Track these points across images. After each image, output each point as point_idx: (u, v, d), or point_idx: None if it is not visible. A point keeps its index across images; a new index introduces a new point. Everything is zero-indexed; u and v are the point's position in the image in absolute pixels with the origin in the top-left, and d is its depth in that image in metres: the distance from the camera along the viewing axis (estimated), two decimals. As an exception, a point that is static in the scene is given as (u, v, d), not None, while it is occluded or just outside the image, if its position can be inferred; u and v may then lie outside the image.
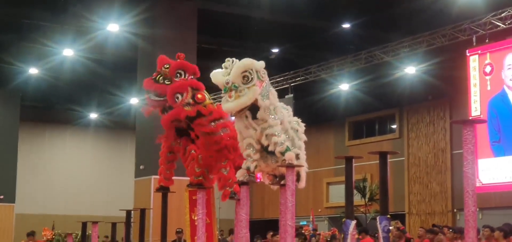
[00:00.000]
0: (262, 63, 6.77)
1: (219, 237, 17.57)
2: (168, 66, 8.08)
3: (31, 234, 19.10)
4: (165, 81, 7.98)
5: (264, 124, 6.70)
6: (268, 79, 6.91)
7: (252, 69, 6.61)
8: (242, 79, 6.57)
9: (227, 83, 6.59)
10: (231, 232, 19.36)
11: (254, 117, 6.76)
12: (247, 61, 6.67)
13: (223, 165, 7.83)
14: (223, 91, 6.70)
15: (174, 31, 19.07)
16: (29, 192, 30.54)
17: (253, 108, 6.73)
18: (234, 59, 6.77)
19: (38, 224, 23.22)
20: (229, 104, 6.62)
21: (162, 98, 8.15)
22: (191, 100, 7.87)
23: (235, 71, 6.60)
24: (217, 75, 6.82)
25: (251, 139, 6.79)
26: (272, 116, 6.75)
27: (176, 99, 7.88)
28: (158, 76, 8.08)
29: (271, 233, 16.95)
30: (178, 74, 7.98)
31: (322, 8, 20.01)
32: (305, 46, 23.10)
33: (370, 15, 20.48)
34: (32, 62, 24.08)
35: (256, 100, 6.60)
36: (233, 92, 6.56)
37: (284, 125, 6.89)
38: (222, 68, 6.88)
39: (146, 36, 19.54)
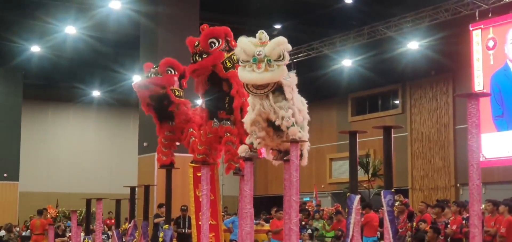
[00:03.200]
0: (290, 47, 6.72)
1: (223, 213, 17.65)
2: (198, 43, 8.00)
3: (40, 212, 19.23)
4: (203, 55, 7.90)
5: (278, 104, 6.69)
6: None
7: (285, 49, 6.58)
8: (276, 56, 6.53)
9: (259, 54, 6.51)
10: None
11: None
12: (284, 40, 6.62)
13: (231, 138, 7.85)
14: (251, 60, 6.57)
15: (177, 8, 19.00)
16: (32, 170, 30.63)
17: (275, 89, 6.70)
18: (266, 33, 6.69)
19: (42, 202, 23.32)
20: (255, 75, 6.49)
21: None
22: (226, 47, 7.85)
23: (273, 46, 6.52)
24: (246, 43, 6.65)
25: (259, 116, 6.77)
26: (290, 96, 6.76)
27: (212, 45, 7.83)
28: (194, 55, 8.00)
29: (275, 209, 17.07)
30: (212, 44, 7.91)
31: (324, -16, 19.95)
32: (307, 22, 23.03)
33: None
34: (34, 40, 24.06)
35: (280, 80, 6.59)
36: (263, 64, 6.48)
37: (295, 103, 6.88)
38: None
39: (148, 13, 19.48)
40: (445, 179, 24.92)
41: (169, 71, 8.82)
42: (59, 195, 27.49)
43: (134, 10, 20.12)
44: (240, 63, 6.69)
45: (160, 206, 15.02)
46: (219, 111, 8.05)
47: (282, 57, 6.53)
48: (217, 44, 7.86)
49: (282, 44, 6.57)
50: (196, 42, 8.00)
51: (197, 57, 7.93)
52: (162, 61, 8.93)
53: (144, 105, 9.05)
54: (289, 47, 6.67)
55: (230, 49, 7.86)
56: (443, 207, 13.27)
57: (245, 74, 6.59)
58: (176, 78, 8.86)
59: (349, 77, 27.21)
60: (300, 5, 21.61)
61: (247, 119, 6.93)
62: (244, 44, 6.65)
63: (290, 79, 6.75)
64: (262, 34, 6.64)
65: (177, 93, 8.84)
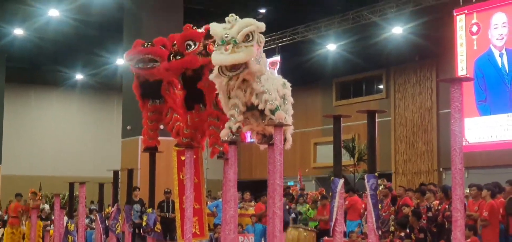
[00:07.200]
0: (263, 27, 6.68)
1: (207, 197, 17.67)
2: (175, 43, 7.95)
3: (19, 195, 19.11)
4: (177, 56, 7.85)
5: (255, 85, 6.66)
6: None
7: (254, 31, 6.56)
8: (243, 37, 6.50)
9: (226, 36, 6.51)
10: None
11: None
12: (252, 21, 6.61)
13: (215, 122, 7.83)
14: (219, 43, 6.59)
15: (161, -9, 18.88)
16: (15, 153, 30.45)
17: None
18: (237, 17, 6.69)
19: (25, 185, 23.17)
20: (222, 56, 6.52)
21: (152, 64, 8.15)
22: (203, 51, 7.81)
23: (238, 27, 6.52)
24: (217, 28, 6.71)
25: (238, 100, 6.75)
26: (262, 78, 6.73)
27: (188, 47, 7.78)
28: (170, 54, 7.96)
29: (248, 193, 17.75)
30: (188, 46, 7.83)
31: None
32: (292, 7, 22.98)
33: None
34: (17, 23, 23.83)
35: (248, 62, 6.54)
36: (230, 46, 6.48)
37: (275, 86, 6.87)
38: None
39: (132, -4, 19.34)
40: (428, 163, 25.07)
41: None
42: (42, 178, 27.35)
43: (118, -7, 20.00)
44: (215, 48, 6.69)
45: (134, 189, 14.96)
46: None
47: (250, 38, 6.51)
48: (193, 46, 7.78)
49: (249, 25, 6.56)
50: (174, 41, 7.95)
51: (171, 57, 7.88)
52: (157, 39, 8.83)
53: (136, 83, 8.96)
54: (260, 27, 6.64)
55: (207, 53, 7.79)
56: (424, 192, 13.32)
57: (215, 57, 6.62)
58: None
59: (333, 62, 27.23)
60: (285, -11, 21.58)
61: (225, 103, 6.92)
62: (214, 29, 6.67)
63: (262, 62, 6.73)
64: (231, 17, 6.65)
65: None
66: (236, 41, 6.47)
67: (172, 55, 7.89)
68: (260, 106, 6.69)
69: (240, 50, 6.48)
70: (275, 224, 6.42)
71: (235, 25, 6.56)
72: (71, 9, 21.99)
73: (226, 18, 6.67)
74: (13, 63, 28.44)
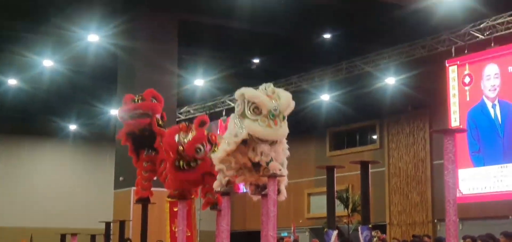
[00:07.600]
0: None
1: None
2: (183, 148, 7.91)
3: None
4: (191, 163, 7.78)
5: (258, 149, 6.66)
6: None
7: None
8: (288, 113, 6.64)
9: (276, 110, 6.54)
10: None
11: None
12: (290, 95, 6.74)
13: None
14: (269, 116, 6.55)
15: (155, 42, 18.98)
16: (7, 204, 30.23)
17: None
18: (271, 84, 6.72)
19: (16, 237, 22.98)
20: (272, 131, 6.51)
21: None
22: (211, 147, 7.80)
23: (286, 103, 6.64)
24: (263, 97, 6.57)
25: (233, 159, 6.75)
26: None
27: (198, 151, 7.73)
28: (178, 160, 7.91)
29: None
30: (198, 150, 7.77)
31: (302, 19, 20.04)
32: (286, 57, 23.10)
33: (350, 26, 20.55)
34: (11, 74, 23.87)
35: None
36: (278, 120, 6.53)
37: None
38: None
39: (126, 47, 19.43)
40: (422, 214, 24.97)
41: (153, 101, 8.80)
42: (34, 230, 27.13)
43: (112, 44, 20.07)
44: (249, 116, 6.56)
45: (126, 240, 14.79)
46: None
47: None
48: (203, 149, 7.76)
49: (292, 101, 6.68)
50: (181, 147, 7.86)
51: (184, 165, 7.79)
52: (147, 91, 8.90)
53: (124, 134, 8.91)
54: None
55: (211, 144, 7.81)
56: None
57: (261, 130, 6.48)
58: (160, 108, 8.83)
59: (327, 112, 27.28)
60: (279, 39, 21.69)
61: (216, 156, 6.88)
62: (261, 99, 6.56)
63: None
64: (270, 87, 6.67)
65: (160, 123, 8.79)
66: (284, 117, 6.56)
67: (182, 161, 7.77)
68: (256, 159, 6.67)
69: (283, 124, 6.59)
70: (268, 277, 6.33)
71: (279, 98, 6.59)
72: (65, 60, 22.07)
73: (267, 88, 6.64)
74: (6, 113, 28.41)
